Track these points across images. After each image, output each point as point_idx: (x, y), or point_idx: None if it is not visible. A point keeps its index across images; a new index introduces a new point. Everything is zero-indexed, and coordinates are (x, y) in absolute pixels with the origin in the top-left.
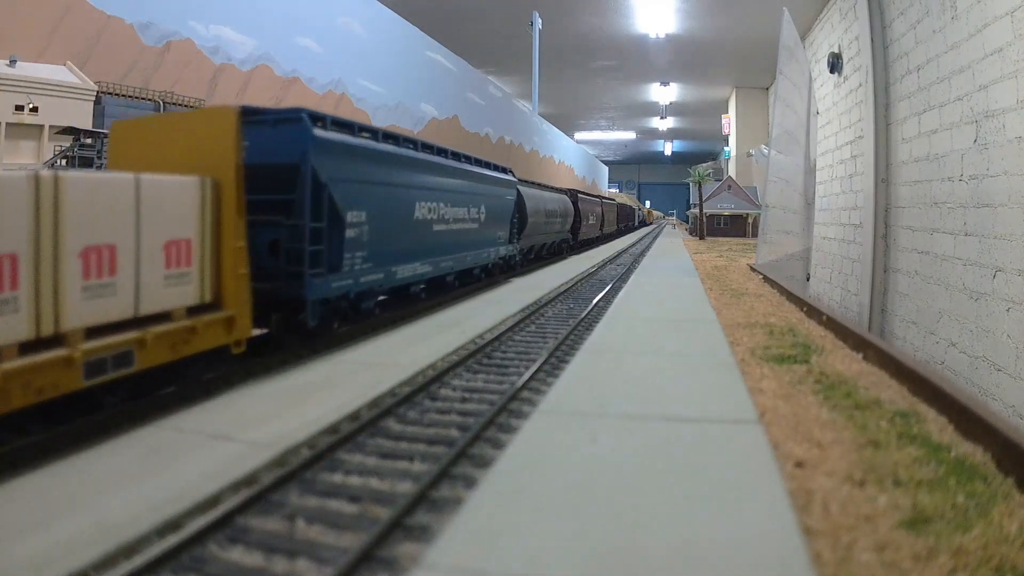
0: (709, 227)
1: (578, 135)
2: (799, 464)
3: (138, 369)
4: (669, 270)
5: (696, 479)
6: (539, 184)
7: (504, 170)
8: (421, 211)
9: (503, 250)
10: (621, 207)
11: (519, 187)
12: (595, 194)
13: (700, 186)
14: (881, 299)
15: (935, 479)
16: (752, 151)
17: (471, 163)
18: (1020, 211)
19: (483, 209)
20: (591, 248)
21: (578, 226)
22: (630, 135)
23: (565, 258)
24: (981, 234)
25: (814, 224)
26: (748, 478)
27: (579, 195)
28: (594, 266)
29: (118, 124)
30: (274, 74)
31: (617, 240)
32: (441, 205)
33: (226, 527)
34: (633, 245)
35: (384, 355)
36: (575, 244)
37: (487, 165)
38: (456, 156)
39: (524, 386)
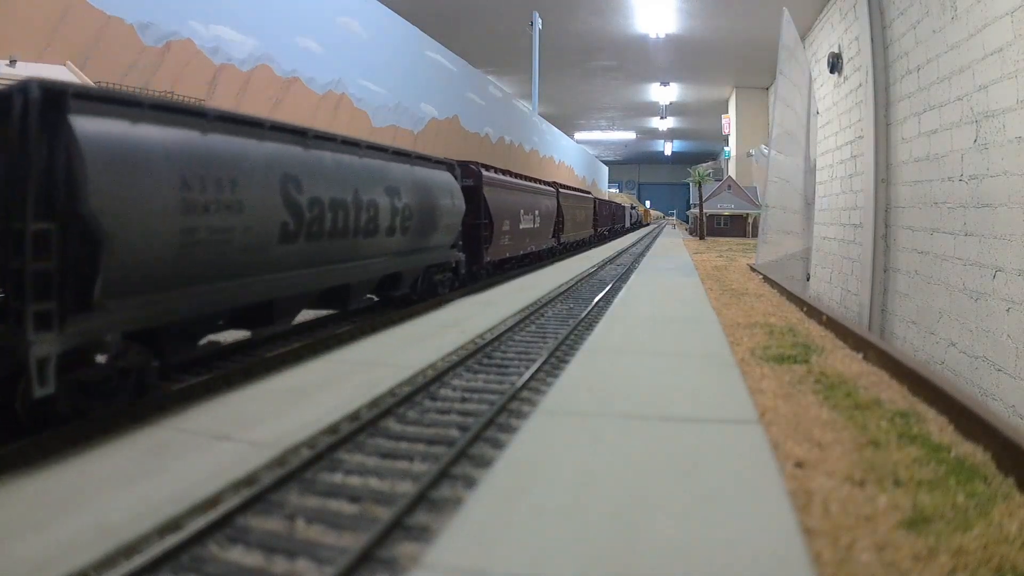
0: (709, 227)
1: (578, 135)
2: (799, 464)
3: None
4: (669, 270)
5: (696, 479)
6: (272, 125)
7: None
8: None
9: None
10: (603, 204)
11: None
12: (543, 181)
13: (700, 186)
14: (881, 299)
15: (935, 479)
16: (752, 151)
17: None
18: (1020, 211)
19: None
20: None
21: (487, 237)
22: (630, 135)
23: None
24: (981, 234)
25: (814, 224)
26: (748, 478)
27: (486, 174)
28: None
29: None
30: (274, 74)
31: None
32: None
33: (226, 527)
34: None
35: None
36: (480, 272)
37: None
38: None
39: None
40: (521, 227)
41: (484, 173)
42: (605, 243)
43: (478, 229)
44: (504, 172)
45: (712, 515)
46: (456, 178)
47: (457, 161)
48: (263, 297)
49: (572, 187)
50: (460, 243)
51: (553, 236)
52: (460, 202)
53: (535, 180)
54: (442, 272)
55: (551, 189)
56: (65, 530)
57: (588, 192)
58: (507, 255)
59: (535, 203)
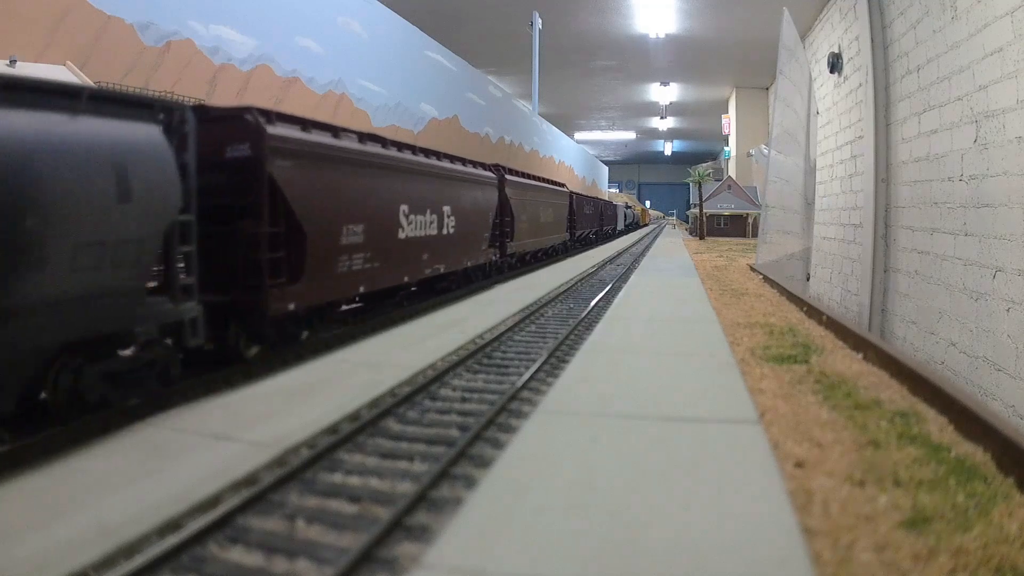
0: (709, 227)
1: (578, 135)
2: (799, 464)
3: None
4: (669, 270)
5: (696, 479)
6: None
7: None
8: None
9: None
10: (584, 201)
11: None
12: (472, 162)
13: (700, 186)
14: (881, 299)
15: (935, 479)
16: (752, 151)
17: None
18: (1020, 211)
19: None
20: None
21: (281, 262)
22: (630, 135)
23: None
24: (981, 234)
25: (814, 224)
26: (748, 478)
27: (280, 134)
28: None
29: None
30: (274, 74)
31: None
32: None
33: (226, 527)
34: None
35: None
36: (267, 332)
37: None
38: None
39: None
40: (404, 236)
41: (271, 131)
42: (591, 248)
43: (257, 248)
44: (366, 137)
45: (712, 515)
46: (183, 138)
47: (204, 106)
48: None
49: (531, 175)
50: (191, 283)
51: (493, 246)
52: (166, 190)
53: (451, 158)
54: (137, 351)
55: (489, 175)
56: (65, 530)
57: (562, 185)
58: (362, 289)
59: (448, 195)
